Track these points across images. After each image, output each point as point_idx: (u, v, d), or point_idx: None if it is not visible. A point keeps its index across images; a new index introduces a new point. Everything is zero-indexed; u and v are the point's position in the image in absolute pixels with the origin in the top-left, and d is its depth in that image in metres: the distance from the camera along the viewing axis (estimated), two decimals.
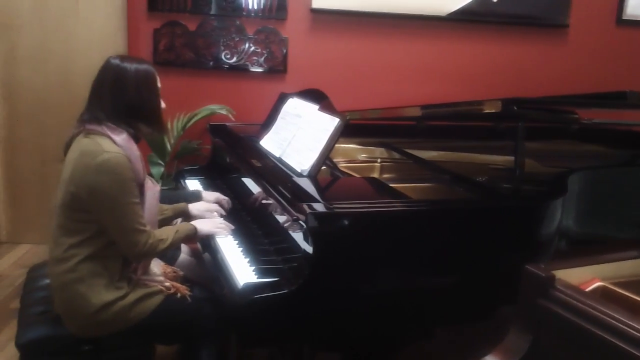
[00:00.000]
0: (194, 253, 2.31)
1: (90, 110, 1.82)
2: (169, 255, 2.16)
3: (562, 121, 2.41)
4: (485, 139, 2.88)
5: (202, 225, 2.07)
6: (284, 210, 1.86)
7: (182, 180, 2.94)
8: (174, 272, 2.05)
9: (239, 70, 3.64)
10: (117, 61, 1.84)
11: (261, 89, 3.65)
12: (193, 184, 2.85)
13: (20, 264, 3.52)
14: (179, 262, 2.21)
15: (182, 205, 2.20)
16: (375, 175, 2.53)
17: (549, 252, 1.99)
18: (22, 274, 2.41)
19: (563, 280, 1.27)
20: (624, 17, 3.87)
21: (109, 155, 1.72)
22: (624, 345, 1.07)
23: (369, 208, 1.73)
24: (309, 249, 1.68)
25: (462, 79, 3.81)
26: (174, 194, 2.50)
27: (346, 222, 1.66)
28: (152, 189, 1.92)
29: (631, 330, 1.07)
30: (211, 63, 3.61)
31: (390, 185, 2.06)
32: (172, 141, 3.37)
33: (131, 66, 1.82)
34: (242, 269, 1.85)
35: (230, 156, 2.79)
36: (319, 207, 1.67)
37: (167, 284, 1.92)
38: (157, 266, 1.99)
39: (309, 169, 2.07)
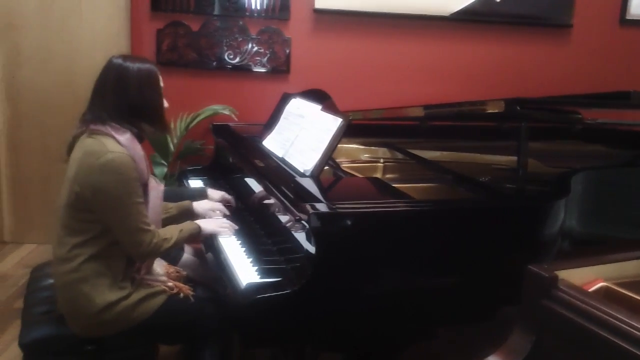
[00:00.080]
0: (197, 253, 2.32)
1: (93, 109, 1.83)
2: (172, 255, 2.16)
3: (565, 121, 2.40)
4: (488, 139, 2.87)
5: (206, 225, 2.07)
6: (287, 210, 1.86)
7: (185, 181, 2.94)
8: (177, 272, 2.05)
9: (242, 70, 3.64)
10: (119, 60, 1.84)
11: (264, 89, 3.65)
12: (196, 184, 2.85)
13: (23, 263, 3.53)
14: (182, 262, 2.22)
15: (186, 203, 2.20)
16: (378, 175, 2.53)
17: (552, 253, 1.99)
18: (26, 274, 2.41)
19: (566, 280, 1.26)
20: (628, 17, 3.87)
21: (113, 155, 1.72)
22: (627, 346, 1.07)
23: (371, 208, 1.73)
24: (311, 249, 1.68)
25: (464, 79, 3.81)
26: (179, 191, 2.51)
27: (349, 222, 1.66)
28: (156, 188, 1.93)
29: (634, 331, 1.07)
30: (214, 63, 3.62)
31: (393, 185, 2.06)
32: (175, 141, 3.38)
33: (134, 65, 1.83)
34: (244, 269, 1.85)
35: (233, 156, 2.79)
36: (322, 207, 1.67)
37: (170, 284, 1.93)
38: (160, 266, 1.99)
39: (311, 169, 2.07)
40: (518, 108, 1.96)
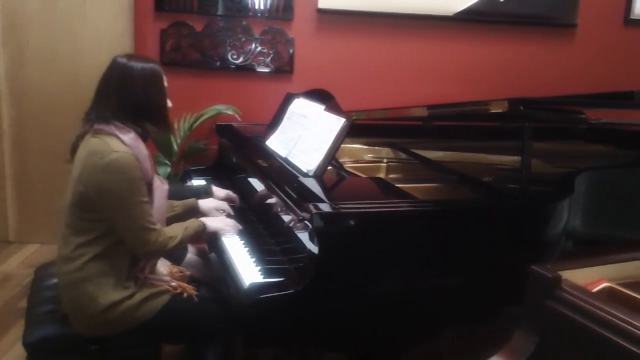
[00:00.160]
0: (201, 253, 2.32)
1: (96, 108, 1.83)
2: (175, 255, 2.16)
3: (569, 121, 2.40)
4: (492, 139, 2.87)
5: (211, 222, 2.07)
6: (290, 210, 1.86)
7: (188, 180, 2.95)
8: (181, 272, 2.05)
9: (246, 70, 3.65)
10: (124, 60, 1.84)
11: (267, 89, 3.65)
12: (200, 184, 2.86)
13: (28, 263, 3.54)
14: (185, 262, 2.22)
15: (191, 201, 2.20)
16: (382, 175, 2.52)
17: (555, 253, 1.98)
18: (30, 274, 2.42)
19: (569, 281, 1.26)
20: (632, 17, 3.86)
21: (117, 155, 1.73)
22: (630, 347, 1.06)
23: (374, 208, 1.73)
24: (314, 249, 1.68)
25: (468, 78, 3.81)
26: (184, 188, 2.51)
27: (352, 222, 1.66)
28: (160, 187, 1.93)
29: (638, 332, 1.07)
30: (218, 63, 3.62)
31: (397, 185, 2.06)
32: (178, 141, 3.38)
33: (138, 65, 1.83)
34: (248, 269, 1.85)
35: (237, 156, 2.80)
36: (325, 207, 1.67)
37: (173, 283, 1.93)
38: (163, 266, 2.00)
39: (315, 169, 2.07)
40: (522, 108, 1.96)
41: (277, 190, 1.98)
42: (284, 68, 3.66)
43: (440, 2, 3.64)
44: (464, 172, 2.30)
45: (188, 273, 2.08)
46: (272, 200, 2.12)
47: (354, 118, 2.12)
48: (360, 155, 2.75)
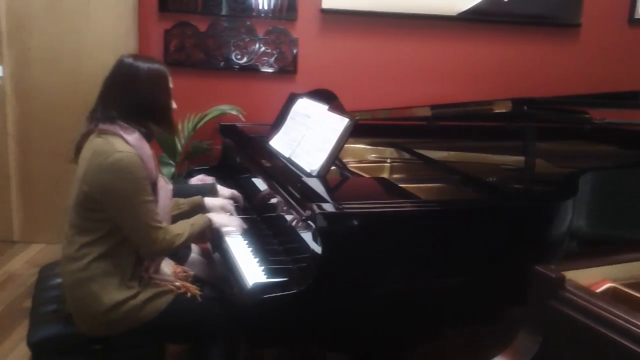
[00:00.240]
0: (204, 253, 2.32)
1: (101, 108, 1.83)
2: (179, 255, 2.17)
3: (573, 121, 2.39)
4: (496, 139, 2.87)
5: (216, 217, 2.08)
6: (293, 210, 1.86)
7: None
8: (184, 271, 2.05)
9: (249, 70, 3.65)
10: (130, 60, 1.85)
11: (271, 89, 3.65)
12: None
13: (32, 263, 3.54)
14: (189, 261, 2.22)
15: (197, 198, 2.20)
16: (385, 175, 2.53)
17: (559, 253, 1.98)
18: (34, 273, 2.43)
19: (573, 281, 1.26)
20: (636, 17, 3.85)
21: (121, 155, 1.73)
22: (634, 347, 1.06)
23: (378, 208, 1.73)
24: (318, 249, 1.68)
25: (472, 78, 3.80)
26: (189, 187, 2.51)
27: (355, 223, 1.66)
28: (165, 187, 1.93)
29: None
30: (222, 63, 3.63)
31: (400, 185, 2.06)
32: (182, 141, 3.39)
33: (144, 65, 1.84)
34: (251, 269, 1.86)
35: (241, 156, 2.80)
36: (328, 207, 1.67)
37: (177, 283, 1.93)
38: (167, 266, 2.00)
39: (318, 169, 2.07)
40: (525, 108, 1.96)
41: (281, 190, 1.98)
42: (287, 68, 3.66)
43: (444, 2, 3.64)
44: (468, 172, 2.30)
45: (192, 273, 2.08)
46: (276, 200, 2.13)
47: (357, 118, 2.12)
48: (364, 155, 2.75)
